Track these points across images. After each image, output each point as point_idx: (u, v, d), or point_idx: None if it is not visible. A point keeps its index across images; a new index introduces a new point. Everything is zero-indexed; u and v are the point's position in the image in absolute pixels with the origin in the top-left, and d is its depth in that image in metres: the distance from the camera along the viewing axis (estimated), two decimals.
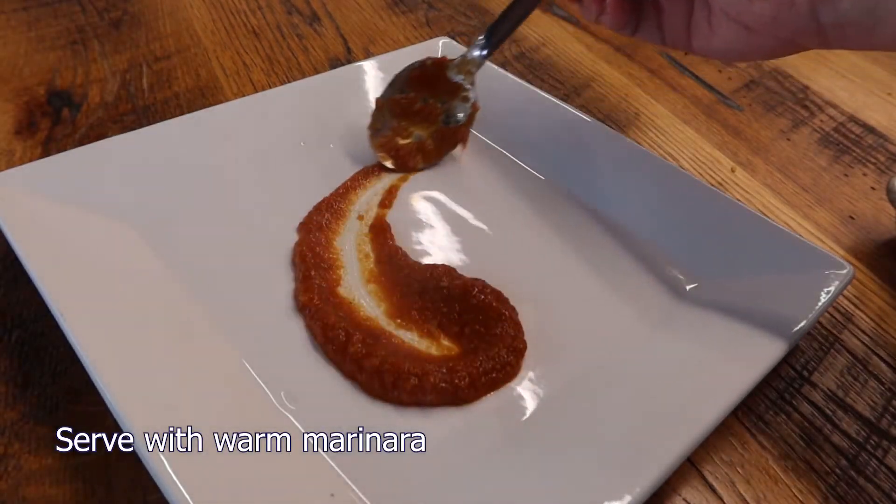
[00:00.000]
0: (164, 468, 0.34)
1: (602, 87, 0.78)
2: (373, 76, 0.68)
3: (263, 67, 0.76)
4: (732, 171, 0.67)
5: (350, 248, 0.53)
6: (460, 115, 0.60)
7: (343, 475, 0.38)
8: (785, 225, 0.57)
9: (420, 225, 0.56)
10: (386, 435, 0.41)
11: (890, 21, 0.35)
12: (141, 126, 0.61)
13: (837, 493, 0.41)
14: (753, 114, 0.76)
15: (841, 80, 0.84)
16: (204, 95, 0.71)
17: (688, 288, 0.51)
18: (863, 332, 0.51)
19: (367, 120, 0.64)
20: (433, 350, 0.46)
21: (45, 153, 0.62)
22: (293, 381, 0.43)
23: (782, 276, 0.48)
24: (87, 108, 0.68)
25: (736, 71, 0.84)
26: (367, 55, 0.80)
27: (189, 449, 0.36)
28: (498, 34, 0.58)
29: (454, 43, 0.71)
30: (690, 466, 0.42)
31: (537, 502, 0.36)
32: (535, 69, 0.80)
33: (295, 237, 0.53)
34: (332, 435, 0.40)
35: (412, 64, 0.61)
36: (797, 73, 0.84)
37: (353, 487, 0.38)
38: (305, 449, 0.39)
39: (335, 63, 0.78)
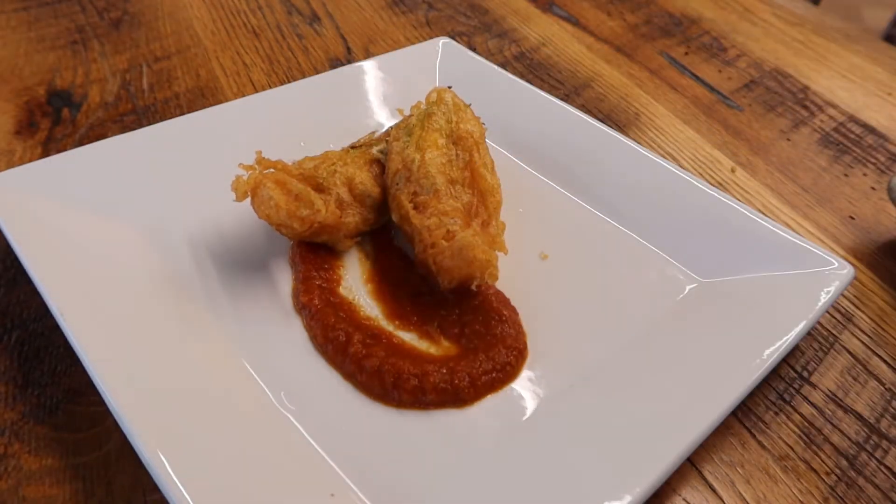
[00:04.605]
0: (164, 468, 0.34)
1: (602, 87, 0.78)
2: (373, 76, 0.68)
3: (263, 67, 0.77)
4: (732, 171, 0.67)
5: (350, 249, 0.53)
6: None
7: (343, 475, 0.38)
8: (785, 225, 0.57)
9: None
10: (386, 435, 0.41)
11: None
12: (141, 126, 0.61)
13: (837, 493, 0.41)
14: (753, 114, 0.76)
15: (841, 80, 0.84)
16: (204, 95, 0.71)
17: (688, 288, 0.51)
18: (863, 332, 0.51)
19: (366, 120, 0.64)
20: (433, 350, 0.46)
21: (45, 153, 0.62)
22: (293, 381, 0.43)
23: (782, 276, 0.48)
24: (87, 108, 0.68)
25: (736, 71, 0.84)
26: (367, 55, 0.80)
27: (189, 449, 0.36)
28: None
29: (454, 43, 0.71)
30: (690, 466, 0.42)
31: (537, 502, 0.36)
32: (535, 69, 0.80)
33: None
34: (332, 435, 0.40)
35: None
36: (797, 73, 0.85)
37: (353, 487, 0.38)
38: (305, 449, 0.39)
39: (335, 63, 0.78)
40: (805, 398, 0.46)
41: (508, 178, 0.57)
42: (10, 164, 0.60)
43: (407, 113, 0.56)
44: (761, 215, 0.52)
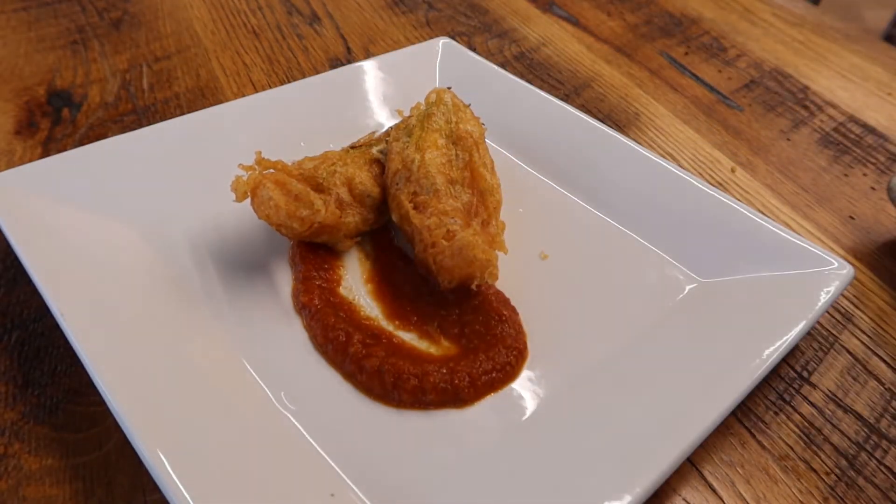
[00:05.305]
0: (164, 468, 0.34)
1: (602, 87, 0.78)
2: (373, 76, 0.68)
3: (263, 67, 0.76)
4: (732, 171, 0.67)
5: (350, 249, 0.53)
6: None
7: (343, 475, 0.38)
8: (785, 225, 0.57)
9: None
10: (386, 435, 0.41)
11: None
12: (141, 126, 0.61)
13: (837, 493, 0.41)
14: (753, 114, 0.76)
15: (841, 80, 0.84)
16: (204, 95, 0.71)
17: (688, 288, 0.51)
18: (863, 332, 0.51)
19: (366, 120, 0.64)
20: (433, 350, 0.46)
21: (45, 153, 0.62)
22: (293, 381, 0.43)
23: (782, 276, 0.48)
24: (87, 108, 0.68)
25: (736, 71, 0.84)
26: (367, 55, 0.80)
27: (189, 449, 0.36)
28: None
29: (454, 43, 0.71)
30: (690, 466, 0.42)
31: (537, 502, 0.36)
32: (535, 69, 0.80)
33: None
34: (332, 435, 0.40)
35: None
36: (797, 73, 0.85)
37: (353, 487, 0.38)
38: (305, 449, 0.39)
39: (335, 63, 0.78)
40: (805, 398, 0.46)
41: (508, 178, 0.57)
42: (10, 164, 0.60)
43: (406, 114, 0.56)
44: (761, 215, 0.52)
